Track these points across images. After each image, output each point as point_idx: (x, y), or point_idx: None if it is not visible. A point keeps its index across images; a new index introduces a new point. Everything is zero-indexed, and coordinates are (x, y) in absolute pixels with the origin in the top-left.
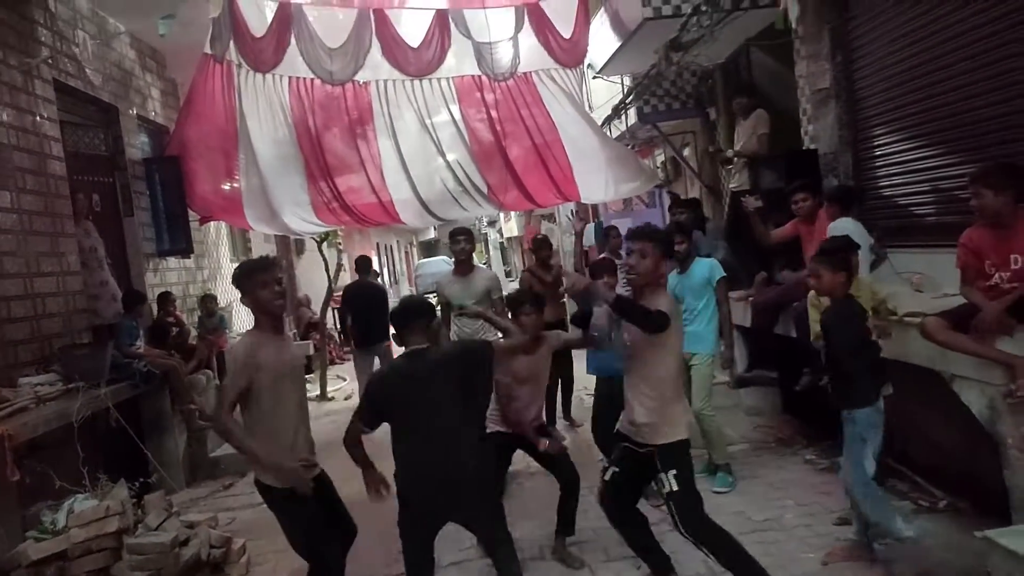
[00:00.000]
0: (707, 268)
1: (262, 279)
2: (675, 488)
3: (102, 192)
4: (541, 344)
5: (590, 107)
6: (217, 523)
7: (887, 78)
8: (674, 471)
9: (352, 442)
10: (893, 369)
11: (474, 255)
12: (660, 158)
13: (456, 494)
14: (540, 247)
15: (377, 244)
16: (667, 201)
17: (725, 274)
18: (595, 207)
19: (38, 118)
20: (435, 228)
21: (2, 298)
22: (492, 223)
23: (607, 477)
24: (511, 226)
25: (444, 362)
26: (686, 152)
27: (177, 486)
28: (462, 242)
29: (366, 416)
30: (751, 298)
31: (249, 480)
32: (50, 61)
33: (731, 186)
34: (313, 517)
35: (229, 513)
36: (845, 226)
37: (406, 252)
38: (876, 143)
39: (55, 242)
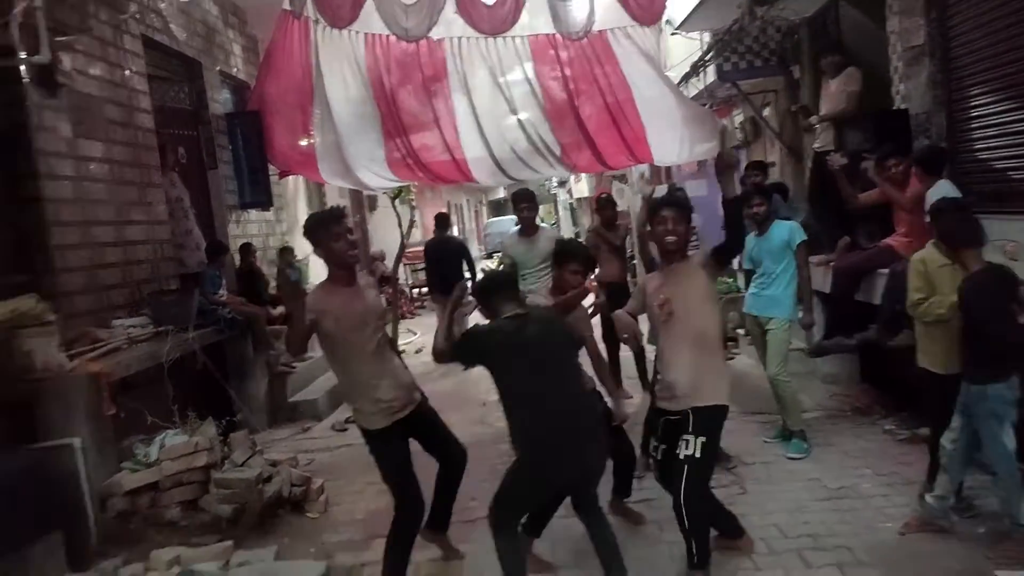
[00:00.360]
0: (787, 231)
1: (334, 230)
2: (697, 456)
3: (187, 145)
4: (578, 304)
5: (667, 65)
6: (297, 463)
7: (985, 35)
8: (703, 438)
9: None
10: None
11: (540, 217)
12: (739, 118)
13: (580, 454)
14: (604, 207)
15: (448, 202)
16: (743, 163)
17: (806, 237)
18: (667, 169)
19: (127, 72)
20: (505, 188)
21: (96, 244)
22: (562, 184)
23: (658, 456)
24: (581, 187)
25: (549, 328)
26: (766, 112)
27: (259, 427)
28: (524, 210)
29: (464, 355)
30: (832, 263)
31: (326, 424)
32: (138, 16)
33: (815, 146)
34: (400, 457)
35: (307, 455)
36: (946, 190)
37: (475, 211)
38: (972, 103)
39: (143, 192)
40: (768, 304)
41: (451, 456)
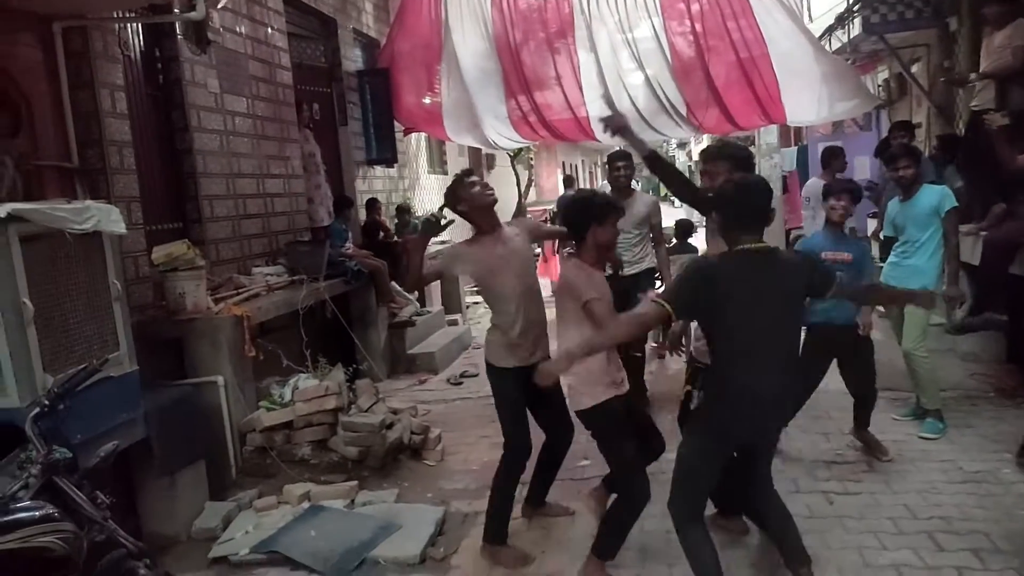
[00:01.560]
0: (936, 196)
1: (467, 182)
2: None
3: (320, 102)
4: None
5: (809, 18)
6: (416, 412)
7: None
8: None
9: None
10: None
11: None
12: (883, 75)
13: (776, 416)
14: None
15: (563, 163)
16: (885, 124)
17: (957, 204)
18: (798, 129)
19: (270, 30)
20: (620, 147)
21: (240, 195)
22: (682, 145)
23: (691, 404)
24: (703, 148)
25: (791, 270)
26: (915, 68)
27: (380, 376)
28: (621, 169)
29: (681, 309)
30: (983, 232)
31: (442, 377)
32: None
33: (972, 105)
34: (515, 396)
35: (424, 405)
36: None
37: (590, 172)
38: None
39: (282, 147)
40: (909, 274)
41: (559, 428)
